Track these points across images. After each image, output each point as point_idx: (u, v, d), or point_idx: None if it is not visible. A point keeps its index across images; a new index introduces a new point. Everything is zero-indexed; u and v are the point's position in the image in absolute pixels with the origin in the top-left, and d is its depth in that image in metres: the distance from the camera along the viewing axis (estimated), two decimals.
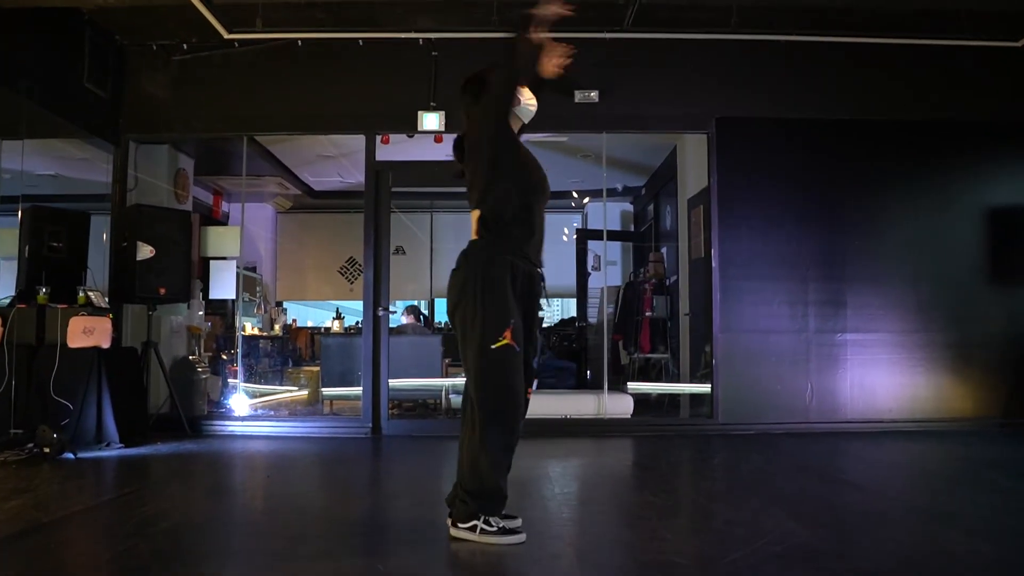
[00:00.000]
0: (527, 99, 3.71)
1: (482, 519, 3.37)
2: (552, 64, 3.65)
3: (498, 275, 3.41)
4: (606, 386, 7.76)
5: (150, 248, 7.22)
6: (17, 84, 6.39)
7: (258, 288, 11.81)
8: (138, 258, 7.16)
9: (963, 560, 3.22)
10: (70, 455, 5.81)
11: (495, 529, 3.36)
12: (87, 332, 6.39)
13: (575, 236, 11.94)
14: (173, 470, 5.70)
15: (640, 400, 8.24)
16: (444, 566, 3.20)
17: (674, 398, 8.98)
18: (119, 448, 6.29)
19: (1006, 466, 5.69)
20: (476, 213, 3.54)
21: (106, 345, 6.46)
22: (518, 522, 3.50)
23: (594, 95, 7.38)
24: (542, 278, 3.64)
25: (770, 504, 4.27)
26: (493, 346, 3.34)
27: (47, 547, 3.46)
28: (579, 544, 3.53)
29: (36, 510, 4.04)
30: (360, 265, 12.91)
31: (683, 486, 5.29)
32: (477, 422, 3.39)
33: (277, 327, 11.69)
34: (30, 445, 5.83)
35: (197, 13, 6.27)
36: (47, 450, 5.75)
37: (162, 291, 7.29)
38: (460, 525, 3.42)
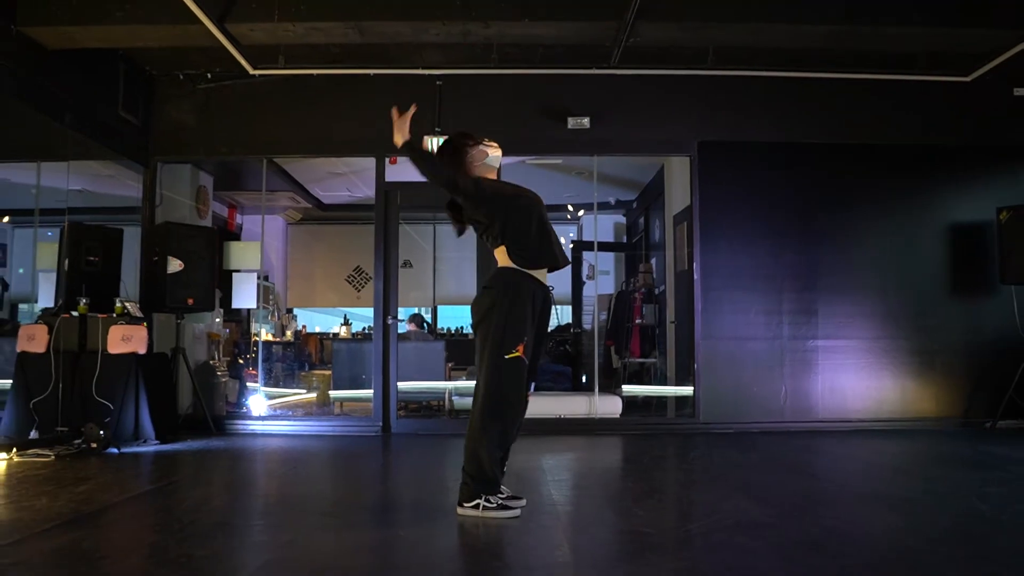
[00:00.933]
0: (493, 152, 4.43)
1: (483, 498, 4.07)
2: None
3: (523, 299, 4.12)
4: (597, 388, 8.42)
5: (179, 262, 7.85)
6: (62, 117, 7.07)
7: (271, 296, 12.45)
8: (168, 271, 7.79)
9: (878, 531, 3.89)
10: (114, 450, 6.50)
11: (495, 505, 4.07)
12: (126, 339, 7.05)
13: (571, 247, 12.59)
14: (208, 462, 6.37)
15: (630, 401, 8.89)
16: (454, 534, 3.88)
17: (661, 399, 9.61)
18: (155, 444, 6.95)
19: (954, 460, 6.35)
20: (501, 248, 4.21)
21: (143, 351, 7.12)
22: (522, 502, 4.27)
23: (585, 121, 7.99)
24: (552, 299, 4.41)
25: (733, 490, 4.95)
26: (507, 356, 4.05)
27: (122, 520, 4.14)
28: (566, 520, 4.20)
29: (104, 493, 4.73)
30: (367, 274, 13.63)
31: (660, 476, 5.95)
32: (479, 415, 4.09)
33: (289, 333, 12.33)
34: (78, 441, 6.50)
35: (225, 51, 6.89)
36: (94, 445, 6.43)
37: (190, 301, 7.93)
38: (465, 504, 4.11)
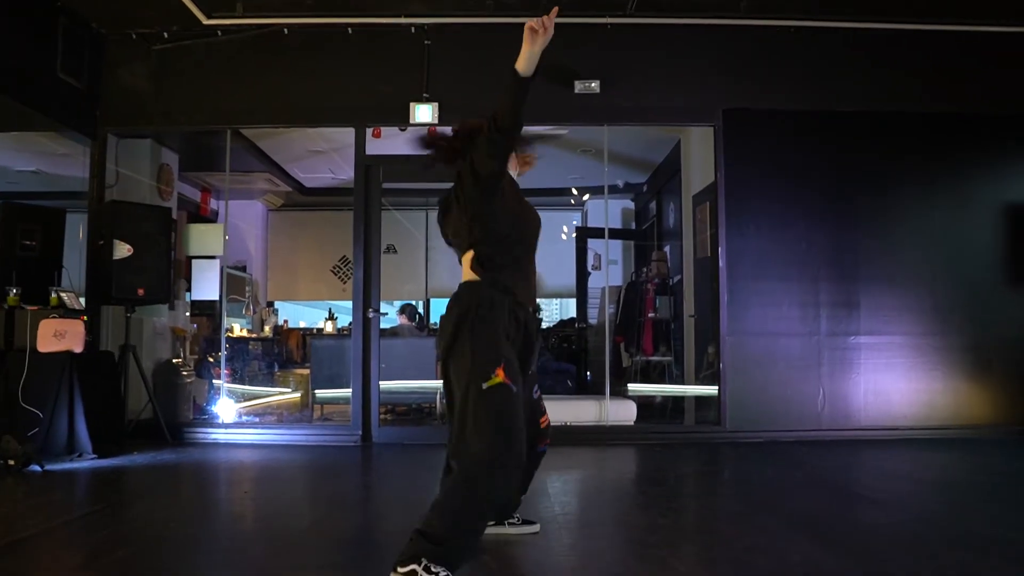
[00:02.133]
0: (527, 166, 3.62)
1: (423, 564, 2.74)
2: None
3: (494, 313, 3.09)
4: (608, 391, 7.42)
5: (128, 247, 6.88)
6: None
7: (247, 288, 11.46)
8: (115, 257, 6.83)
9: None
10: (36, 467, 5.46)
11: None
12: (58, 335, 6.05)
13: (575, 234, 11.63)
14: (148, 483, 5.36)
15: (642, 404, 7.94)
16: None
17: (677, 402, 8.69)
18: (92, 459, 5.95)
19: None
20: (469, 254, 3.22)
21: (79, 349, 6.12)
22: (534, 527, 3.73)
23: (595, 85, 7.07)
24: (538, 322, 3.45)
25: (790, 527, 3.91)
26: (485, 385, 2.95)
27: (3, 573, 3.11)
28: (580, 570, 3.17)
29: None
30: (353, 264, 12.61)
31: (692, 505, 4.93)
32: (464, 468, 2.97)
33: (267, 328, 11.35)
34: None
35: (182, 9, 5.91)
36: (11, 463, 5.40)
37: (140, 292, 6.96)
38: (399, 569, 2.77)
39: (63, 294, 6.43)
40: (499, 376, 2.96)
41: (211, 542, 3.85)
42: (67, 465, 5.73)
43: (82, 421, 6.02)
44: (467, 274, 3.22)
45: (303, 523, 4.27)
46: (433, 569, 2.72)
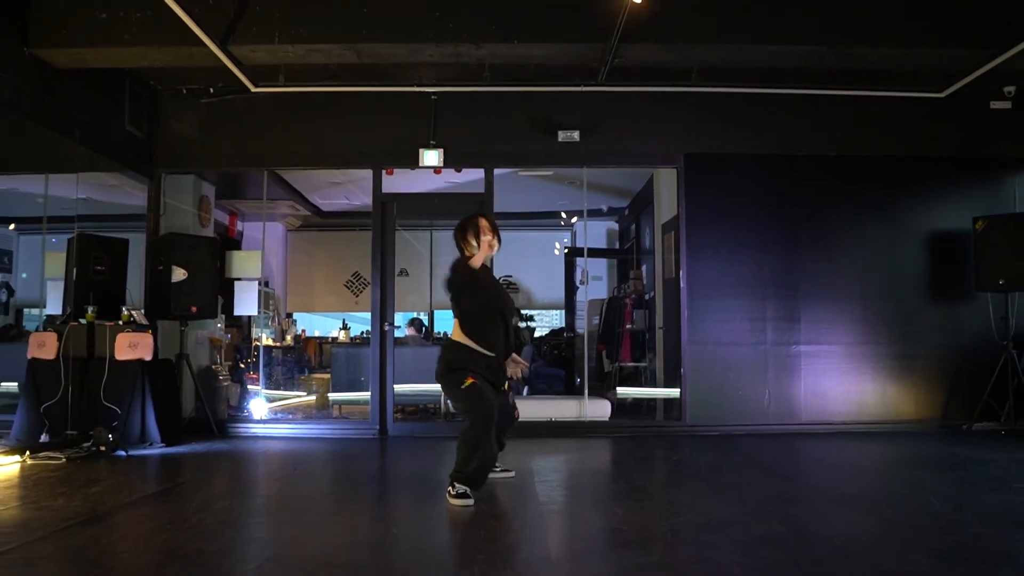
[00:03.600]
0: (493, 248, 5.32)
1: (452, 484, 4.87)
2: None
3: (463, 358, 5.12)
4: (587, 392, 8.71)
5: (183, 271, 8.13)
6: (72, 132, 7.37)
7: (271, 301, 12.71)
8: (172, 280, 8.07)
9: (835, 528, 4.20)
10: (122, 453, 6.79)
11: (455, 493, 4.83)
12: (132, 346, 7.34)
13: (564, 252, 12.88)
14: (212, 464, 6.66)
15: (620, 404, 9.18)
16: (445, 530, 4.18)
17: (651, 402, 9.89)
18: (161, 447, 7.23)
19: (924, 461, 6.66)
20: (456, 320, 5.24)
21: (149, 358, 7.40)
22: (511, 474, 5.62)
23: (575, 135, 8.27)
24: (518, 338, 5.52)
25: (708, 491, 5.27)
26: (463, 386, 4.99)
27: (135, 520, 4.44)
28: (550, 518, 4.51)
29: (116, 494, 5.03)
30: (364, 279, 13.92)
31: (642, 477, 6.24)
32: (466, 430, 4.98)
33: (289, 337, 12.60)
34: (87, 444, 6.80)
35: (229, 70, 7.17)
36: (103, 448, 6.73)
37: (194, 309, 8.21)
38: (449, 491, 4.89)
39: (132, 311, 7.71)
40: (469, 380, 4.99)
41: (279, 502, 5.19)
42: (143, 451, 7.02)
43: (152, 416, 7.29)
44: (455, 331, 5.21)
45: (339, 493, 5.62)
46: (457, 486, 4.82)
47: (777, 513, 4.53)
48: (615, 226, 13.86)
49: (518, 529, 4.19)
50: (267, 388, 10.01)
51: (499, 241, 5.30)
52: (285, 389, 10.93)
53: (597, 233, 13.67)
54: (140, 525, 4.40)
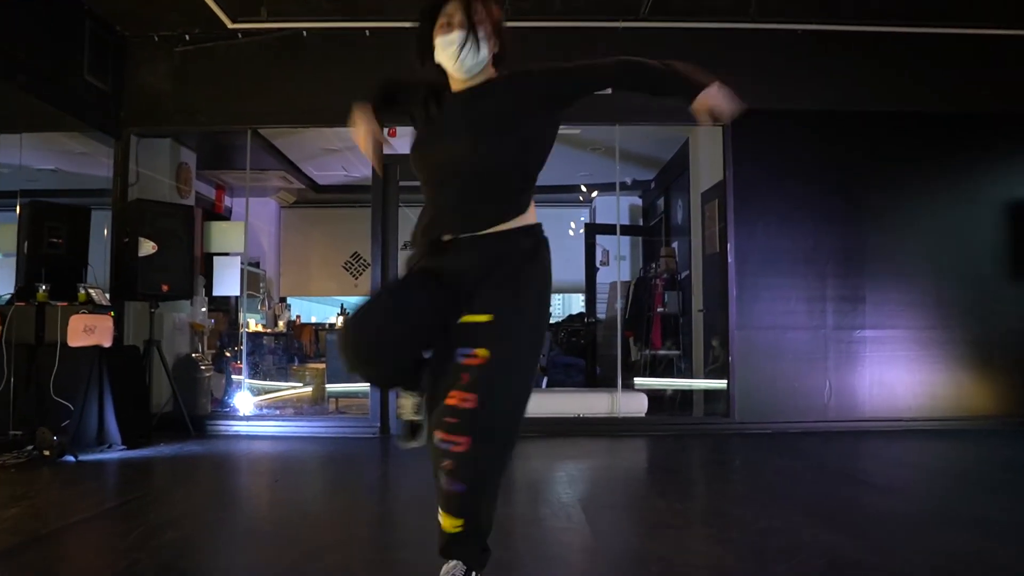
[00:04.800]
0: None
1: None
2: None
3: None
4: (620, 384, 7.59)
5: (152, 244, 7.04)
6: (16, 77, 6.21)
7: (261, 284, 11.63)
8: (140, 254, 6.99)
9: (1000, 568, 3.06)
10: (71, 458, 5.65)
11: None
12: (88, 331, 6.22)
13: (583, 231, 11.78)
14: (177, 474, 5.53)
15: (651, 396, 8.10)
16: None
17: (686, 395, 8.83)
18: (121, 450, 6.13)
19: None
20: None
21: (107, 344, 6.29)
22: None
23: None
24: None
25: (802, 511, 4.10)
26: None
27: (46, 561, 3.29)
28: (592, 558, 3.36)
29: (35, 520, 3.87)
30: (365, 260, 12.79)
31: (706, 491, 5.11)
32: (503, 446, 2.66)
33: (281, 323, 11.52)
34: (30, 447, 5.69)
35: (202, 4, 6.06)
36: (47, 453, 5.60)
37: (165, 288, 7.11)
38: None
39: (91, 290, 6.59)
40: None
41: (245, 533, 4.04)
42: (98, 456, 5.90)
43: (111, 413, 6.19)
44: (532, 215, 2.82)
45: (338, 505, 4.47)
46: None
47: (903, 544, 3.38)
48: (638, 202, 12.74)
49: (548, 563, 3.04)
50: (256, 379, 8.95)
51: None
52: (276, 380, 9.88)
53: (620, 210, 12.55)
54: (54, 566, 3.25)
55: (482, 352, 2.51)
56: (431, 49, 2.82)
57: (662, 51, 6.94)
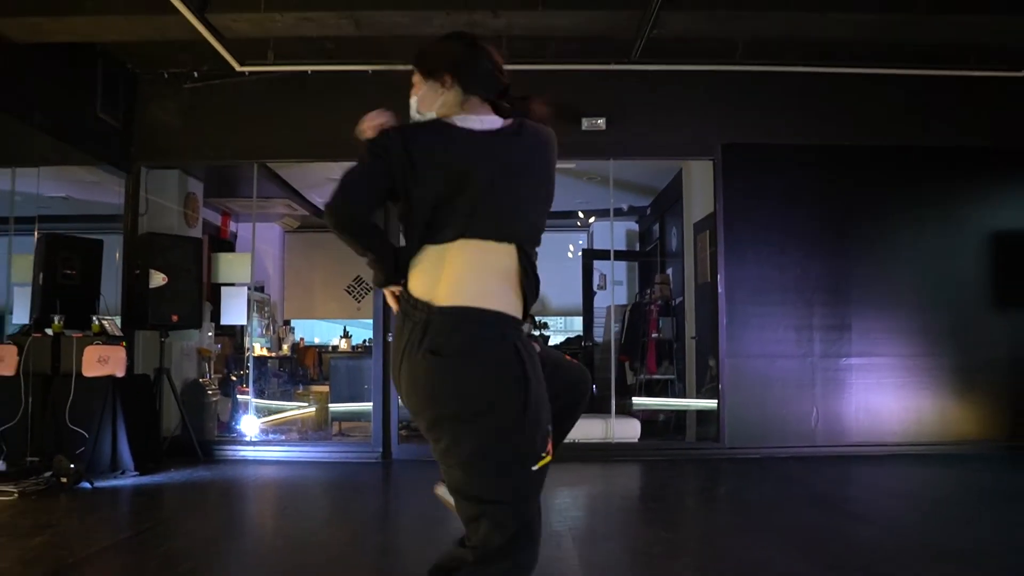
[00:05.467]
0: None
1: None
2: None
3: None
4: (613, 410, 7.84)
5: (162, 276, 7.29)
6: (32, 117, 6.50)
7: (266, 308, 11.89)
8: (151, 286, 7.24)
9: None
10: (87, 484, 5.89)
11: None
12: (102, 361, 6.47)
13: (581, 254, 12.06)
14: (188, 501, 5.78)
15: (646, 420, 8.35)
16: None
17: (679, 418, 9.08)
18: (134, 476, 6.37)
19: (1006, 493, 5.83)
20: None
21: (120, 374, 6.54)
22: None
23: (601, 122, 7.46)
24: None
25: (776, 537, 4.36)
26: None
27: None
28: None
29: (61, 548, 4.12)
30: (367, 284, 13.04)
31: (693, 520, 5.35)
32: None
33: (285, 347, 11.77)
34: (47, 474, 5.91)
35: (210, 47, 6.34)
36: (64, 480, 5.83)
37: (175, 318, 7.37)
38: None
39: (104, 321, 6.85)
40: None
41: (261, 556, 4.29)
42: (113, 482, 6.14)
43: (124, 441, 6.44)
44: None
45: (344, 536, 4.72)
46: None
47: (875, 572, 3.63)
48: (635, 227, 13.04)
49: None
50: (258, 402, 9.20)
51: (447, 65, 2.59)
52: (282, 402, 10.13)
53: (615, 235, 12.81)
54: None
55: None
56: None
57: (652, 88, 7.28)
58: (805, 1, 6.02)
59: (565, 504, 5.42)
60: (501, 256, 2.30)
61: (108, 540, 4.41)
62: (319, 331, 15.04)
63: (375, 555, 4.30)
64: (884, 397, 7.62)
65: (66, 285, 6.99)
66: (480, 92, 2.44)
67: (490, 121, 2.41)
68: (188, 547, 4.26)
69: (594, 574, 3.83)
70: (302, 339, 13.04)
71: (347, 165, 7.01)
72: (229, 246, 11.51)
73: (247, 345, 9.85)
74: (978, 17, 6.19)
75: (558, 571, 3.80)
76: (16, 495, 5.46)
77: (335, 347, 12.65)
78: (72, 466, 5.89)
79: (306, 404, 10.05)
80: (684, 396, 9.38)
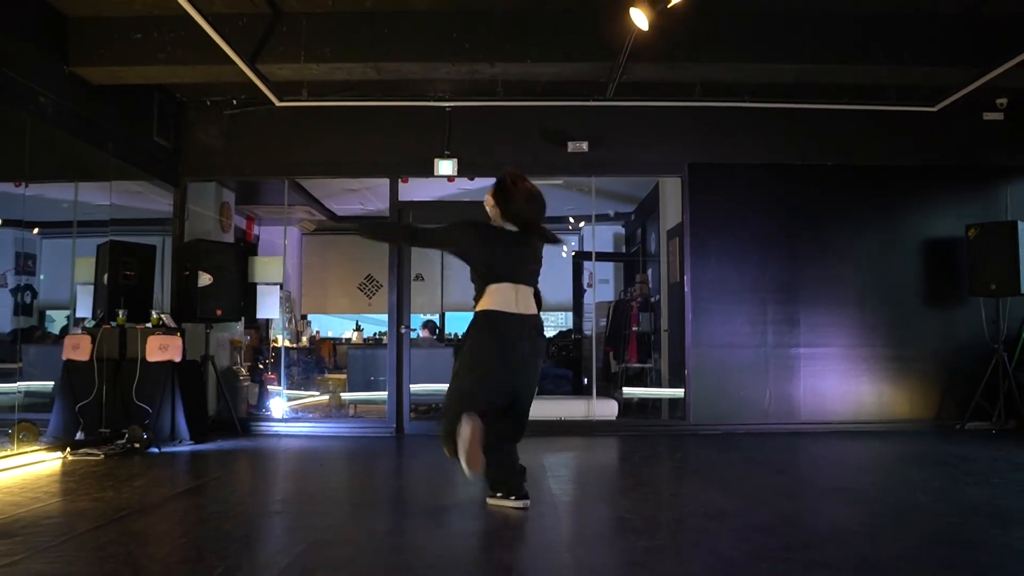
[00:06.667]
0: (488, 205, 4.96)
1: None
2: None
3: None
4: (595, 392, 9.08)
5: (208, 276, 8.49)
6: (106, 145, 7.75)
7: (287, 304, 13.07)
8: (199, 285, 8.45)
9: (824, 518, 4.58)
10: (155, 449, 7.18)
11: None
12: (163, 348, 7.72)
13: (571, 256, 13.23)
14: (241, 461, 7.04)
15: (627, 404, 9.53)
16: (466, 526, 4.56)
17: (657, 402, 10.27)
18: (190, 444, 7.62)
19: (915, 458, 7.03)
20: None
21: (178, 359, 7.78)
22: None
23: (584, 146, 8.61)
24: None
25: (709, 485, 5.64)
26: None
27: (182, 510, 4.83)
28: (562, 509, 4.88)
29: (158, 488, 5.43)
30: (378, 281, 14.29)
31: (647, 472, 6.60)
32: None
33: (304, 339, 12.97)
34: (122, 441, 7.18)
35: (254, 86, 7.55)
36: (137, 445, 7.11)
37: (219, 312, 8.58)
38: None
39: (162, 315, 8.09)
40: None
41: (310, 499, 5.57)
42: (173, 448, 7.40)
43: (182, 415, 7.68)
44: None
45: (372, 484, 6.00)
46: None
47: (771, 505, 4.90)
48: (621, 231, 14.22)
49: (535, 519, 4.55)
50: (286, 388, 10.37)
51: (495, 199, 4.86)
52: (302, 388, 11.30)
53: (604, 238, 14.04)
54: (189, 514, 4.77)
55: None
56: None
57: (628, 117, 8.49)
58: (751, 53, 7.21)
59: (551, 463, 6.65)
60: (520, 289, 4.74)
61: (188, 485, 5.71)
62: (332, 325, 16.21)
63: (391, 497, 5.57)
64: (829, 381, 8.74)
65: (126, 284, 8.19)
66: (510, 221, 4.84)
67: (512, 226, 4.83)
68: (253, 487, 5.56)
69: (569, 505, 5.09)
70: (318, 332, 14.23)
71: (367, 180, 8.36)
72: (252, 247, 12.71)
73: (271, 337, 11.07)
74: (902, 66, 7.37)
75: (549, 503, 5.05)
76: (102, 456, 6.72)
77: (348, 339, 13.82)
78: (144, 434, 7.17)
79: (326, 390, 11.20)
80: (660, 383, 10.53)
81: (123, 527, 4.25)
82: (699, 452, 7.38)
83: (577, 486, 5.87)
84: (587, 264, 12.78)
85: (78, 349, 7.67)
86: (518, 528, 4.42)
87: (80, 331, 7.93)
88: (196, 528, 4.40)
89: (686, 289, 8.81)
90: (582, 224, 13.56)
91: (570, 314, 13.81)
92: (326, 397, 10.90)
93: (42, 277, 10.44)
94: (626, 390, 10.31)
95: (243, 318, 9.97)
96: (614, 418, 9.03)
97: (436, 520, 4.60)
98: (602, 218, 13.35)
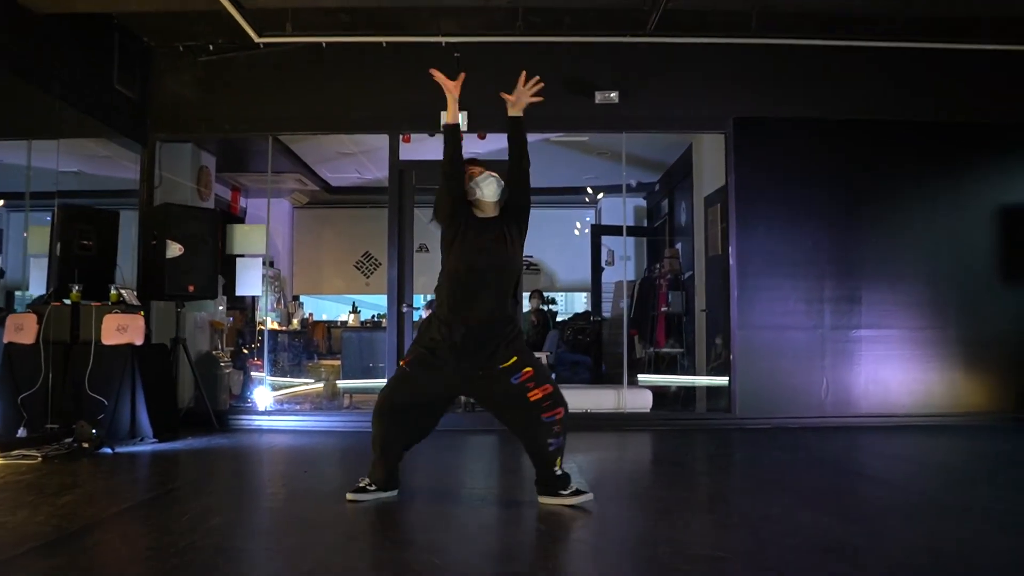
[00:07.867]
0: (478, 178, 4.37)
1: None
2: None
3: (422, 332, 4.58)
4: (625, 380, 7.92)
5: (179, 246, 7.35)
6: (50, 87, 6.55)
7: (276, 283, 11.97)
8: (167, 256, 7.29)
9: (988, 552, 3.38)
10: (108, 450, 6.00)
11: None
12: (121, 329, 6.55)
13: (588, 231, 12.12)
14: (209, 465, 5.86)
15: (660, 394, 8.43)
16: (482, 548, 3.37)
17: (689, 391, 9.16)
18: (152, 443, 6.45)
19: (1020, 462, 5.89)
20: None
21: (139, 342, 6.60)
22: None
23: (614, 96, 7.51)
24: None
25: (801, 501, 4.43)
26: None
27: (109, 543, 3.62)
28: (608, 543, 3.68)
29: (90, 506, 4.20)
30: (376, 259, 13.13)
31: (709, 482, 5.43)
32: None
33: (295, 321, 11.86)
34: (69, 440, 6.00)
35: (229, 18, 6.39)
36: (86, 445, 5.93)
37: (191, 288, 7.43)
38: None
39: (122, 291, 6.92)
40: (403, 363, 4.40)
41: (286, 524, 4.37)
42: (132, 448, 6.23)
43: (143, 408, 6.51)
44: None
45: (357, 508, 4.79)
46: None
47: (898, 531, 3.70)
48: (642, 203, 13.09)
49: (568, 545, 3.37)
50: (272, 375, 9.27)
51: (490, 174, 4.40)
52: (292, 376, 10.20)
53: (626, 212, 12.90)
54: (113, 550, 3.56)
55: (527, 369, 4.21)
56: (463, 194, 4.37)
57: (666, 61, 7.31)
58: None
59: (582, 467, 5.49)
60: None
61: (133, 500, 4.49)
62: (326, 308, 15.14)
63: (394, 519, 4.37)
64: (892, 369, 7.72)
65: (83, 256, 7.03)
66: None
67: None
68: (213, 505, 4.34)
69: (614, 527, 3.90)
70: (311, 314, 13.12)
71: (363, 141, 7.17)
72: (239, 221, 11.58)
73: (258, 319, 9.94)
74: None
75: (582, 524, 3.87)
76: (40, 459, 5.53)
77: (343, 322, 12.73)
78: (94, 432, 5.99)
79: (318, 378, 10.13)
80: (692, 370, 9.45)
81: (21, 567, 3.05)
82: (759, 452, 6.27)
83: (621, 502, 4.67)
84: (606, 240, 11.67)
85: (21, 330, 6.49)
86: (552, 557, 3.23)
87: (24, 309, 6.74)
88: (124, 569, 3.21)
89: (731, 263, 7.68)
90: (600, 195, 12.42)
91: (577, 296, 12.69)
92: (319, 385, 9.79)
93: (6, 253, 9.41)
94: (654, 377, 9.17)
95: (223, 296, 8.86)
96: (648, 410, 7.88)
97: (450, 551, 3.39)
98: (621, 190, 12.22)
